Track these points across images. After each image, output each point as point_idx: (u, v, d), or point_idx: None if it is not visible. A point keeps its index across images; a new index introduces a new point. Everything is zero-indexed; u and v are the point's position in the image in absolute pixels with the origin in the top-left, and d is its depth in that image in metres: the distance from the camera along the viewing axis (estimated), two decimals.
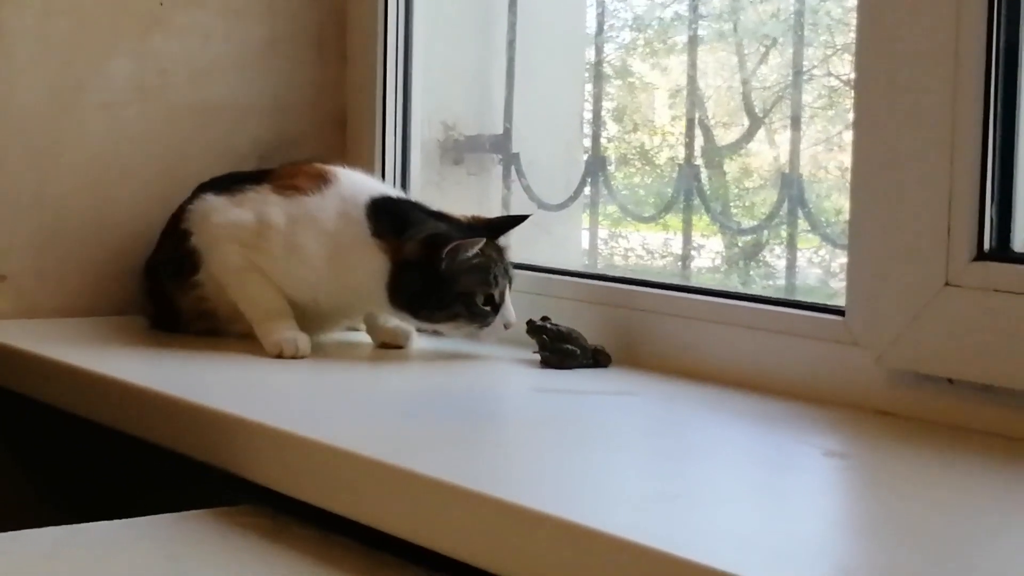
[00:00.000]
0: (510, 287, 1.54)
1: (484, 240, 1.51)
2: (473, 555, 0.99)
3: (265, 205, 1.57)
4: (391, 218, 1.54)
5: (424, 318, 1.53)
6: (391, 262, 1.51)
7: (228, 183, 1.63)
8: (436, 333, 1.59)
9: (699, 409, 1.33)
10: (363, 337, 1.65)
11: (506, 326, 1.53)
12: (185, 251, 1.60)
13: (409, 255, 1.51)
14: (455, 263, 1.49)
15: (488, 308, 1.51)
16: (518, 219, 1.59)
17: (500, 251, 1.54)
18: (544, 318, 1.53)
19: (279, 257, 1.55)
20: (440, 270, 1.49)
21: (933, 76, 1.21)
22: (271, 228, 1.55)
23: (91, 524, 1.17)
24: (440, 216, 1.57)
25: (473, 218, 1.58)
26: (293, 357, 1.51)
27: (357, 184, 1.59)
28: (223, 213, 1.58)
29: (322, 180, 1.58)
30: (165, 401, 1.33)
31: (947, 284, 1.20)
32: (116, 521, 1.18)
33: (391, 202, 1.57)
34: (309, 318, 1.57)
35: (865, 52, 1.27)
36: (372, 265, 1.52)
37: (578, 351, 1.49)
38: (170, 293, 1.63)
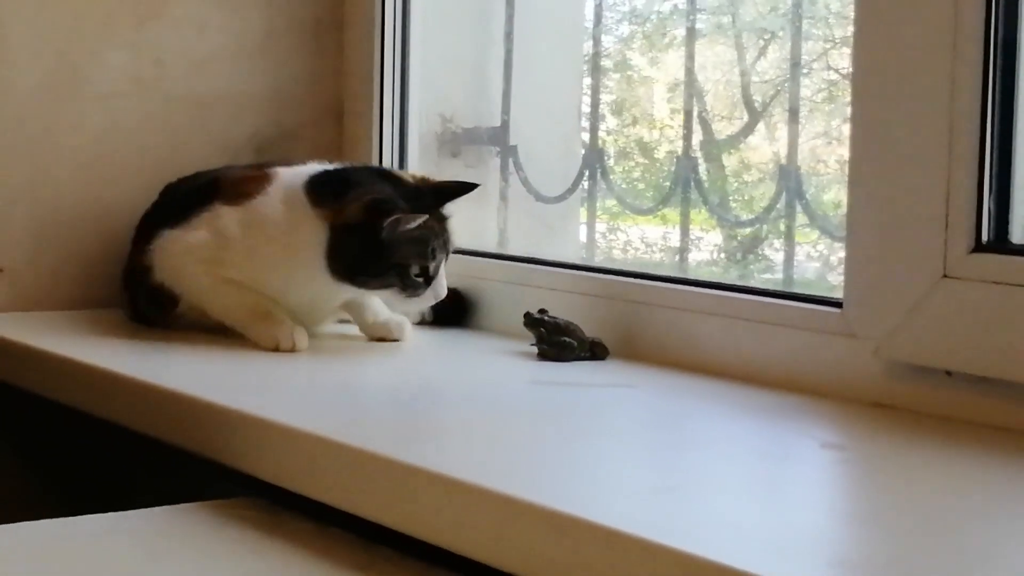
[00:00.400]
0: (447, 260, 1.54)
1: (427, 216, 1.50)
2: (470, 548, 0.99)
3: (218, 220, 1.56)
4: (331, 186, 1.54)
5: (360, 284, 1.52)
6: (330, 227, 1.51)
7: (177, 210, 1.61)
8: None
9: (697, 401, 1.33)
10: (355, 329, 1.64)
11: (435, 299, 1.53)
12: (155, 286, 1.59)
13: (349, 218, 1.50)
14: (395, 233, 1.48)
15: (421, 280, 1.51)
16: (466, 187, 1.58)
17: (442, 221, 1.53)
18: (542, 311, 1.53)
19: (243, 264, 1.55)
20: (380, 238, 1.48)
21: (931, 68, 1.20)
22: (228, 239, 1.55)
23: (87, 517, 1.17)
24: (387, 176, 1.57)
25: (422, 179, 1.58)
26: (291, 350, 1.51)
27: (299, 170, 1.59)
28: (179, 242, 1.58)
29: (266, 179, 1.58)
30: (161, 394, 1.33)
31: (945, 276, 1.20)
32: (112, 514, 1.17)
33: (331, 173, 1.57)
34: (293, 314, 1.56)
35: (863, 45, 1.27)
36: (312, 236, 1.51)
37: (575, 343, 1.49)
38: (156, 321, 1.63)
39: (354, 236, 1.49)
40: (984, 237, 1.19)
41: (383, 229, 1.47)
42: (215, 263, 1.55)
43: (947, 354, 1.20)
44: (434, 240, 1.51)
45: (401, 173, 1.60)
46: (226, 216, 1.56)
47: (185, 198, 1.63)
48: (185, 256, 1.57)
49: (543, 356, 1.50)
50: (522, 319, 1.52)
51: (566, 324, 1.51)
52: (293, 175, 1.58)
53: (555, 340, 1.50)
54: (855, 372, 1.28)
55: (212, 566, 1.07)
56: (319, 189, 1.54)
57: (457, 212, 1.57)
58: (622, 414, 1.29)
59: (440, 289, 1.53)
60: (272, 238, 1.54)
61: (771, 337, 1.36)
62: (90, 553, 1.09)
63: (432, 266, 1.51)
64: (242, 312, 1.55)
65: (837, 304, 1.30)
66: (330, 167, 1.59)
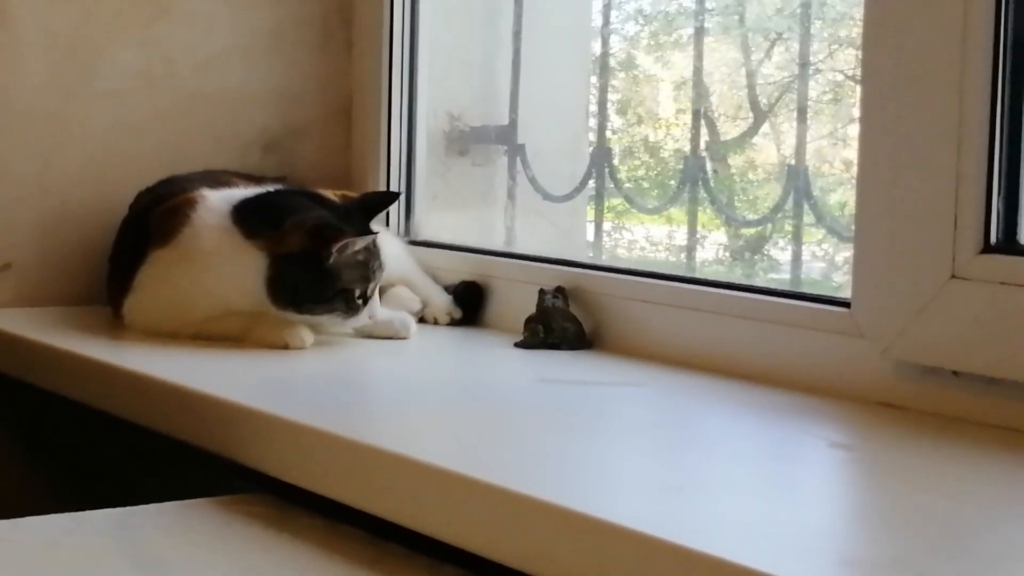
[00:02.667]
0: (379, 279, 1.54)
1: (374, 237, 1.50)
2: (478, 544, 0.99)
3: (155, 269, 1.55)
4: (261, 214, 1.52)
5: (306, 311, 1.50)
6: (270, 257, 1.49)
7: (128, 255, 1.60)
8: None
9: (705, 400, 1.33)
10: None
11: (369, 318, 1.53)
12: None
13: (292, 247, 1.48)
14: (341, 258, 1.47)
15: (361, 301, 1.50)
16: (390, 197, 1.62)
17: (374, 242, 1.52)
18: (559, 288, 1.54)
19: (200, 300, 1.53)
20: (325, 265, 1.47)
21: (940, 68, 1.20)
22: (174, 285, 1.54)
23: (95, 512, 1.17)
24: (313, 198, 1.56)
25: (343, 196, 1.59)
26: (300, 348, 1.51)
27: (223, 196, 1.57)
28: (141, 312, 1.57)
29: (189, 207, 1.55)
30: (169, 389, 1.33)
31: (953, 276, 1.20)
32: (120, 508, 1.18)
33: (256, 199, 1.55)
34: None
35: (872, 44, 1.27)
36: (249, 267, 1.50)
37: (540, 329, 1.52)
38: None
39: (297, 265, 1.48)
40: (993, 238, 1.19)
41: (330, 255, 1.47)
42: (180, 314, 1.54)
43: (955, 354, 1.20)
44: (373, 262, 1.51)
45: (323, 193, 1.59)
46: (161, 263, 1.55)
47: (131, 239, 1.62)
48: (157, 324, 1.55)
49: (519, 344, 1.52)
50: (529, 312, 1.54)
51: (564, 311, 1.52)
52: (218, 201, 1.55)
53: (547, 327, 1.51)
54: (863, 372, 1.28)
55: (219, 562, 1.07)
56: (249, 218, 1.52)
57: (465, 211, 1.57)
58: (630, 412, 1.29)
59: (375, 309, 1.52)
60: (208, 269, 1.52)
61: (779, 337, 1.36)
62: (97, 548, 1.09)
63: (371, 287, 1.51)
64: (239, 326, 1.53)
65: (845, 304, 1.30)
66: (251, 193, 1.57)
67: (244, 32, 1.87)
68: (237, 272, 1.51)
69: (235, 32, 1.86)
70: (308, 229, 1.48)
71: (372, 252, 1.51)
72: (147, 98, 1.81)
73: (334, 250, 1.47)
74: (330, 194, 1.59)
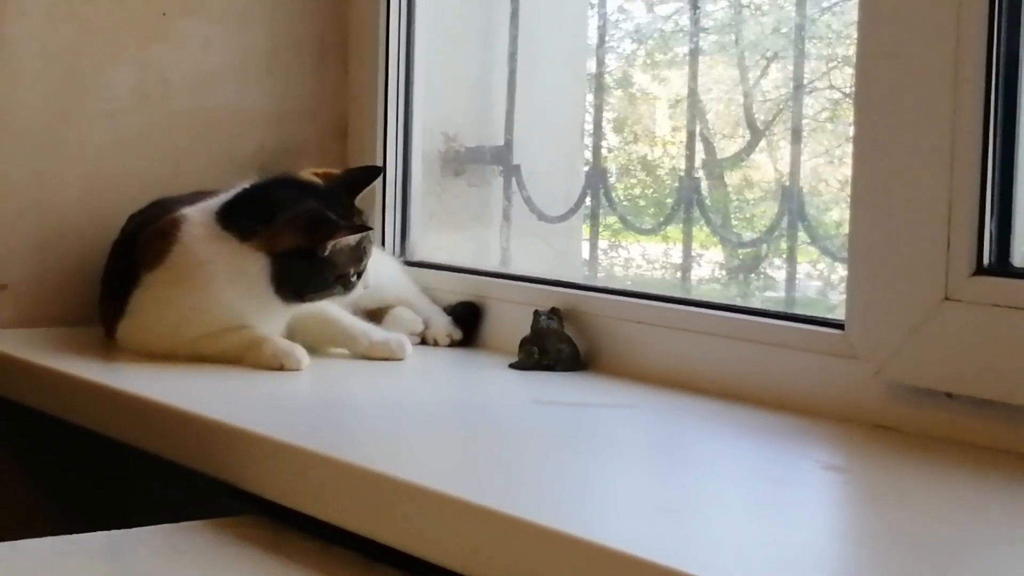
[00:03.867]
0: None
1: (367, 232, 1.53)
2: (472, 566, 0.99)
3: (149, 292, 1.55)
4: (249, 214, 1.53)
5: (309, 300, 1.54)
6: (268, 255, 1.51)
7: (120, 279, 1.60)
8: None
9: (698, 422, 1.33)
10: None
11: (364, 289, 1.56)
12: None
13: (288, 244, 1.51)
14: (337, 248, 1.51)
15: (356, 279, 1.54)
16: (373, 172, 1.62)
17: (361, 215, 1.56)
18: (553, 310, 1.54)
19: (201, 318, 1.53)
20: (323, 256, 1.50)
21: (933, 89, 1.21)
22: (168, 307, 1.54)
23: (90, 534, 1.17)
24: (296, 185, 1.56)
25: (325, 175, 1.59)
26: (296, 369, 1.51)
27: (201, 207, 1.57)
28: (138, 335, 1.57)
29: (173, 229, 1.56)
30: (165, 411, 1.33)
31: (946, 298, 1.21)
32: (115, 531, 1.17)
33: (239, 199, 1.56)
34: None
35: (865, 65, 1.27)
36: (251, 268, 1.51)
37: (536, 351, 1.52)
38: None
39: (296, 260, 1.51)
40: (985, 260, 1.20)
41: (326, 249, 1.50)
42: (177, 334, 1.54)
43: (948, 376, 1.20)
44: (364, 241, 1.54)
45: (303, 176, 1.59)
46: (155, 285, 1.55)
47: (121, 262, 1.62)
48: (152, 345, 1.55)
49: (513, 365, 1.53)
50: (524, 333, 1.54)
51: (559, 332, 1.52)
52: (199, 214, 1.56)
53: (542, 347, 1.52)
54: (856, 394, 1.28)
55: None
56: (239, 220, 1.53)
57: (461, 231, 1.57)
58: (624, 434, 1.29)
59: (368, 280, 1.56)
60: (210, 280, 1.53)
61: (773, 358, 1.36)
62: (92, 571, 1.09)
63: (364, 263, 1.54)
64: (236, 350, 1.53)
65: (839, 326, 1.31)
66: (230, 195, 1.57)
67: (240, 52, 1.87)
68: (239, 275, 1.52)
69: (231, 52, 1.87)
70: (302, 225, 1.50)
71: (363, 234, 1.54)
72: (143, 117, 1.81)
73: (329, 246, 1.50)
74: (309, 175, 1.59)
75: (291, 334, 1.58)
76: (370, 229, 1.54)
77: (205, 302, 1.53)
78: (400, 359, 1.59)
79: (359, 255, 1.53)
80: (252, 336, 1.53)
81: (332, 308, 1.60)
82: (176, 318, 1.54)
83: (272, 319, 1.56)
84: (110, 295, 1.64)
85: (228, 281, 1.53)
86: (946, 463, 1.15)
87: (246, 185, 1.60)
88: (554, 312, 1.55)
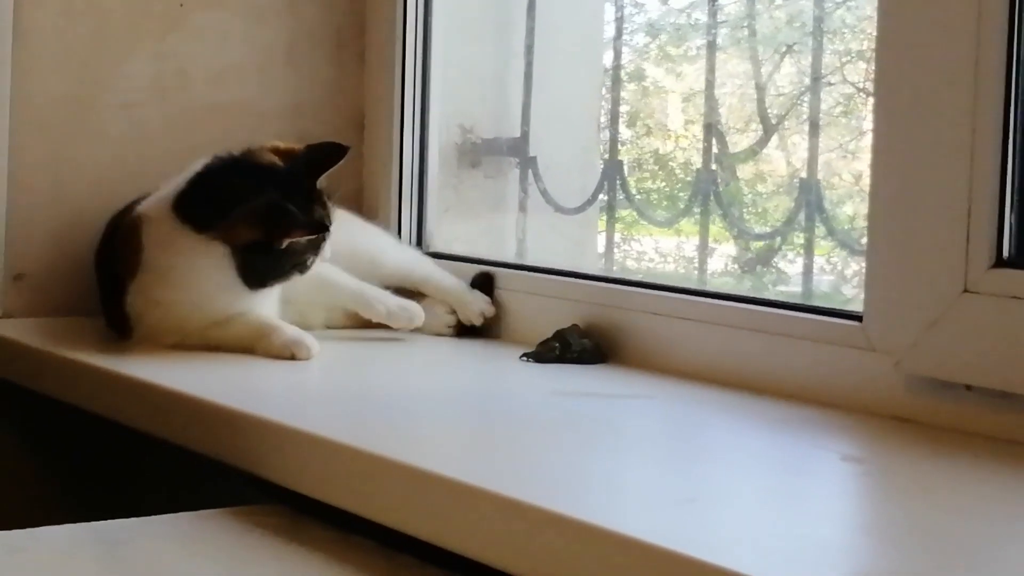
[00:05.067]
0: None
1: (325, 232, 1.51)
2: (489, 555, 0.99)
3: (139, 298, 1.55)
4: (204, 206, 1.51)
5: (271, 286, 1.53)
6: (228, 247, 1.50)
7: (108, 300, 1.60)
8: None
9: (716, 413, 1.33)
10: (375, 334, 1.65)
11: (322, 261, 1.55)
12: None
13: (246, 237, 1.49)
14: (292, 245, 1.50)
15: (316, 259, 1.52)
16: (338, 152, 1.55)
17: (322, 196, 1.52)
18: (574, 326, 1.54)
19: (197, 312, 1.53)
20: (281, 248, 1.49)
21: (953, 82, 1.21)
22: (162, 308, 1.54)
23: (108, 522, 1.17)
24: (254, 171, 1.52)
25: (287, 151, 1.54)
26: (307, 358, 1.50)
27: (156, 202, 1.56)
28: (149, 335, 1.55)
29: (136, 229, 1.55)
30: (182, 400, 1.34)
31: (965, 291, 1.20)
32: (133, 519, 1.18)
33: (193, 189, 1.53)
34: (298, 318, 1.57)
35: (885, 58, 1.27)
36: (217, 261, 1.50)
37: (557, 346, 1.51)
38: None
39: (256, 251, 1.49)
40: (1005, 252, 1.19)
41: (283, 243, 1.49)
42: (185, 328, 1.54)
43: (967, 369, 1.20)
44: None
45: (262, 157, 1.54)
46: (141, 292, 1.54)
47: (108, 269, 1.62)
48: (171, 340, 1.54)
49: (526, 356, 1.52)
50: (544, 333, 1.54)
51: (580, 330, 1.52)
52: (156, 207, 1.54)
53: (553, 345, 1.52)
54: (875, 386, 1.28)
55: (233, 572, 1.07)
56: (195, 213, 1.51)
57: (477, 223, 1.57)
58: (642, 425, 1.29)
59: (326, 252, 1.53)
60: (184, 278, 1.52)
61: (791, 350, 1.36)
62: (112, 558, 1.09)
63: (324, 249, 1.53)
64: (247, 339, 1.53)
65: (857, 318, 1.31)
66: (184, 179, 1.54)
67: (257, 45, 1.87)
68: (207, 268, 1.51)
69: (248, 45, 1.87)
70: (257, 221, 1.48)
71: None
72: (160, 109, 1.81)
73: (285, 244, 1.49)
74: (269, 154, 1.54)
75: (300, 304, 1.58)
76: (326, 228, 1.50)
77: (191, 297, 1.53)
78: (416, 327, 1.58)
79: (317, 244, 1.51)
80: (261, 324, 1.53)
81: (341, 274, 1.60)
82: (175, 314, 1.54)
83: (262, 299, 1.55)
84: (108, 301, 1.63)
85: (200, 275, 1.52)
86: (965, 455, 1.15)
87: (200, 168, 1.55)
88: (575, 327, 1.54)
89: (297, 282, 1.54)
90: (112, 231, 1.63)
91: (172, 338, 1.54)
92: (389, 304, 1.59)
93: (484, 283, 1.68)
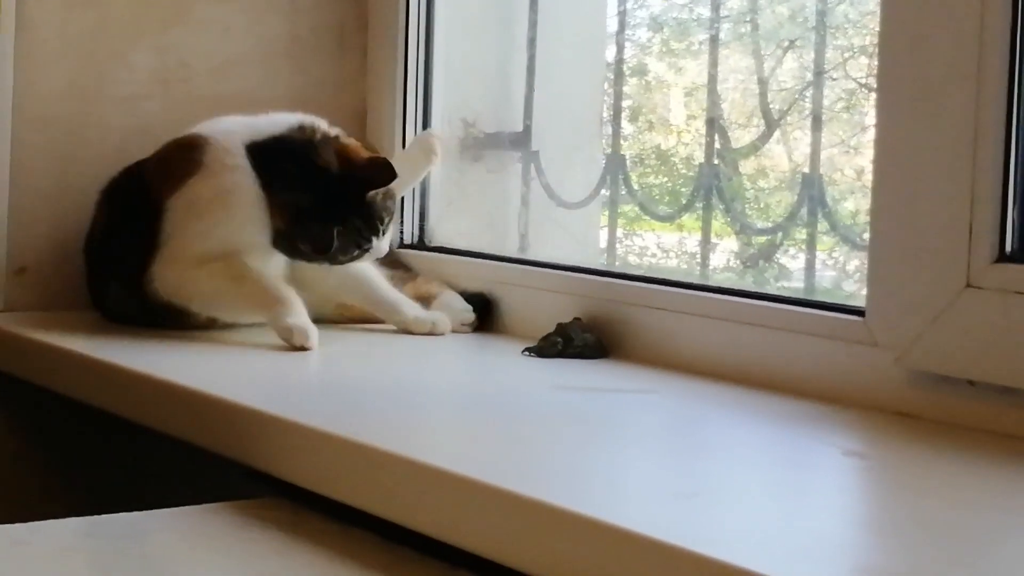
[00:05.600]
0: (391, 219, 1.61)
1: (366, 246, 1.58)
2: (491, 549, 1.00)
3: (179, 214, 1.58)
4: (276, 172, 1.57)
5: (294, 260, 1.60)
6: (274, 217, 1.56)
7: (138, 228, 1.61)
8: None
9: (718, 408, 1.34)
10: (376, 328, 1.65)
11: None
12: (162, 304, 1.60)
13: (282, 225, 1.56)
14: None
15: (351, 259, 1.60)
16: (388, 178, 1.58)
17: (370, 203, 1.58)
18: (576, 319, 1.53)
19: (222, 237, 1.57)
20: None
21: (956, 76, 1.20)
22: (204, 220, 1.57)
23: (111, 516, 1.17)
24: (312, 169, 1.57)
25: (343, 153, 1.59)
26: (303, 347, 1.51)
27: (221, 132, 1.61)
28: (171, 264, 1.58)
29: (198, 147, 1.59)
30: (185, 394, 1.34)
31: (968, 286, 1.20)
32: (136, 513, 1.18)
33: (269, 150, 1.59)
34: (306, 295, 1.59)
35: (887, 53, 1.27)
36: (260, 218, 1.56)
37: (559, 341, 1.51)
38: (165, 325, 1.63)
39: (296, 240, 1.56)
40: (1008, 247, 1.19)
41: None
42: (214, 249, 1.56)
43: (970, 364, 1.20)
44: (367, 231, 1.57)
45: (322, 156, 1.59)
46: (190, 204, 1.57)
47: (134, 213, 1.63)
48: (184, 274, 1.57)
49: (528, 351, 1.52)
50: (546, 327, 1.54)
51: (582, 325, 1.52)
52: (223, 136, 1.60)
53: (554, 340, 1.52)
54: (877, 381, 1.28)
55: (235, 566, 1.07)
56: (267, 171, 1.57)
57: (479, 217, 1.57)
58: (644, 420, 1.29)
59: (384, 245, 1.60)
60: (235, 203, 1.57)
61: (793, 345, 1.36)
62: (114, 552, 1.09)
63: (365, 255, 1.59)
64: (259, 300, 1.55)
65: (859, 312, 1.30)
66: (261, 136, 1.59)
67: (260, 38, 1.87)
68: (256, 212, 1.56)
69: (251, 37, 1.87)
70: (293, 216, 1.55)
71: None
72: (163, 102, 1.81)
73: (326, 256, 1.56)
74: (329, 154, 1.59)
75: (327, 291, 1.62)
76: (336, 259, 1.57)
77: (231, 227, 1.57)
78: (441, 334, 1.62)
79: (357, 249, 1.57)
80: (280, 295, 1.55)
81: (376, 276, 1.64)
82: (214, 235, 1.57)
83: (277, 266, 1.60)
84: (124, 247, 1.63)
85: (248, 214, 1.56)
86: (967, 450, 1.15)
87: (284, 131, 1.60)
88: (577, 320, 1.54)
89: (329, 270, 1.60)
90: (138, 167, 1.65)
91: (199, 258, 1.56)
92: (418, 312, 1.63)
93: (479, 303, 1.69)
